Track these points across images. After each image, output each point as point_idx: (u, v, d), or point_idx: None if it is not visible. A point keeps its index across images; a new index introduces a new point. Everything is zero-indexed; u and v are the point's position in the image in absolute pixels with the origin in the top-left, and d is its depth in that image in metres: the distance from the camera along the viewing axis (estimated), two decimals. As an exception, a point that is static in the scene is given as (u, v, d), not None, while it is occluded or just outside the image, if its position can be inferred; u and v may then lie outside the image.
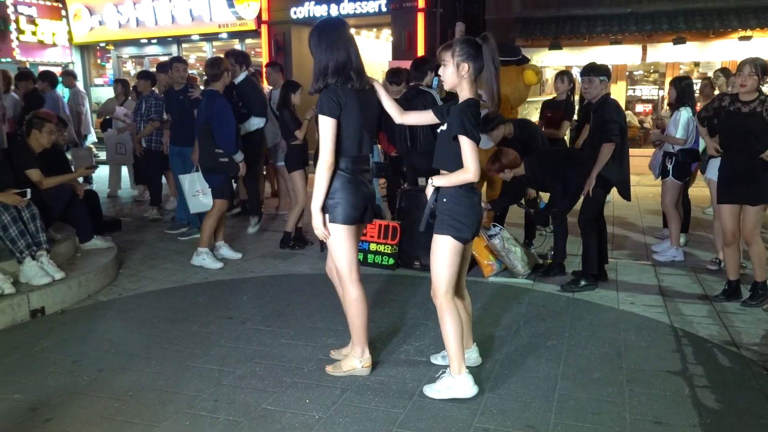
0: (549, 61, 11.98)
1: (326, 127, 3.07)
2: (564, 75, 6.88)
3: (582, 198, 4.94)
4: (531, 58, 11.79)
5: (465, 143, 2.87)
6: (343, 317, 4.27)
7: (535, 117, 7.35)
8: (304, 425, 2.90)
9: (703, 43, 11.28)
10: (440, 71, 3.04)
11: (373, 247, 5.59)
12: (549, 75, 12.63)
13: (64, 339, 3.99)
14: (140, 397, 3.17)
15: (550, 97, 7.54)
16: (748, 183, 4.36)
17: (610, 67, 5.22)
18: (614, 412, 2.98)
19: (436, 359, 3.55)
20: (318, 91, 3.14)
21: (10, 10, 14.51)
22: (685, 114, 5.63)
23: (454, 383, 3.10)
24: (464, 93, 2.98)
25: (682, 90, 5.75)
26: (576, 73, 9.89)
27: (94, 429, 2.88)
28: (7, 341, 3.95)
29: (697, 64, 12.52)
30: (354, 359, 3.39)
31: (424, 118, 3.31)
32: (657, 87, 13.03)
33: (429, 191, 3.09)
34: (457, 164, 2.93)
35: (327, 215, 3.18)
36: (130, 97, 9.07)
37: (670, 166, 5.80)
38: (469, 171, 2.89)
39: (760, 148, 4.27)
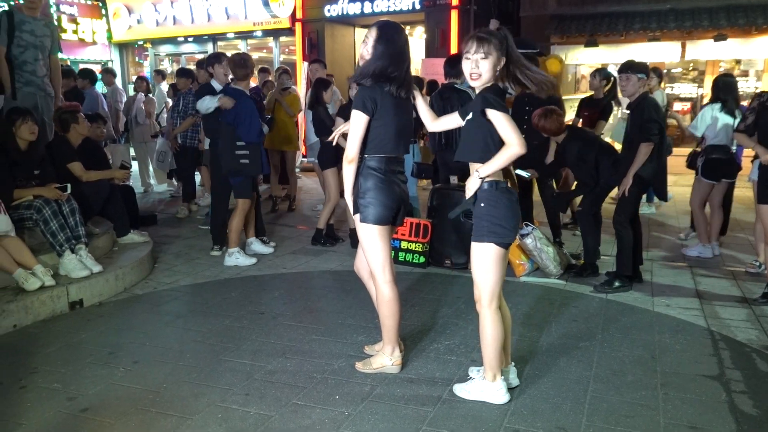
0: (585, 58, 11.84)
1: (358, 123, 3.08)
2: (597, 72, 6.79)
3: (617, 198, 4.86)
4: (566, 55, 11.70)
5: (497, 116, 2.74)
6: (374, 313, 4.29)
7: (570, 115, 7.27)
8: (334, 421, 2.91)
9: (746, 40, 11.00)
10: (472, 64, 2.83)
11: (404, 245, 5.59)
12: (586, 72, 12.46)
13: (101, 331, 4.08)
14: (174, 390, 3.23)
15: (586, 94, 7.44)
16: None
17: (648, 64, 5.13)
18: (648, 416, 2.93)
19: (473, 372, 3.32)
20: (357, 82, 3.18)
21: (52, 9, 14.87)
22: (708, 110, 5.54)
23: (487, 387, 3.06)
24: (486, 84, 2.89)
25: (716, 86, 5.65)
26: (613, 70, 9.75)
27: (129, 420, 2.94)
28: (47, 332, 4.05)
29: (738, 62, 12.22)
30: (384, 357, 3.39)
31: (454, 122, 3.20)
32: (696, 85, 12.76)
33: (473, 184, 2.90)
34: (484, 154, 2.82)
35: (358, 215, 3.18)
36: (150, 94, 9.43)
37: (699, 164, 5.69)
38: (514, 143, 2.72)
39: None
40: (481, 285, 2.95)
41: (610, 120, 6.99)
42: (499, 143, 2.80)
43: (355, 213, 3.22)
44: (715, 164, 5.66)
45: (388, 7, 12.73)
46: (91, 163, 5.75)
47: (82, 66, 12.34)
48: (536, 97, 5.79)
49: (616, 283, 4.79)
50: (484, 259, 2.91)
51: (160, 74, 11.52)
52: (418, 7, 12.46)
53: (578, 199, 6.87)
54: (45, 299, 4.28)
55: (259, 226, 6.19)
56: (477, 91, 2.91)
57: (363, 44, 3.18)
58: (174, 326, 4.16)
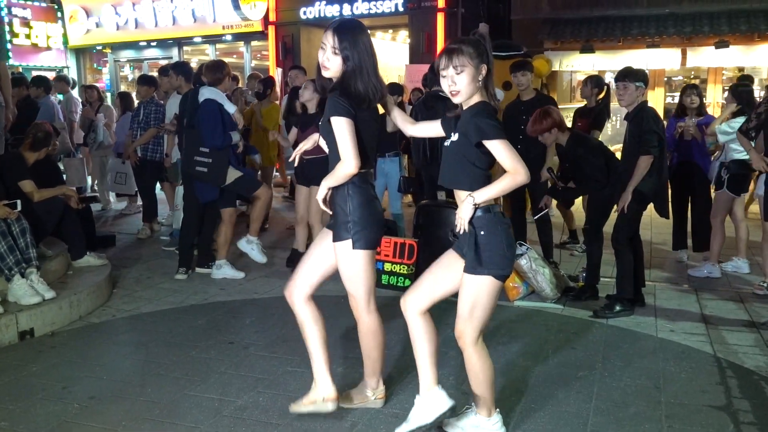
0: (580, 65, 11.99)
1: (346, 127, 2.88)
2: (588, 80, 6.90)
3: (615, 215, 4.91)
4: (560, 62, 11.85)
5: (496, 146, 2.63)
6: (353, 342, 4.27)
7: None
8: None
9: (748, 47, 11.24)
10: (448, 81, 2.73)
11: (387, 267, 5.59)
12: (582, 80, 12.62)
13: (54, 363, 4.02)
14: (134, 428, 3.18)
15: (582, 104, 7.54)
16: None
17: (647, 71, 5.21)
18: (652, 451, 2.95)
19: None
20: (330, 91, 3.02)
21: (3, 12, 14.80)
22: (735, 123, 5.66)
23: (482, 423, 2.96)
24: (474, 98, 2.76)
25: (740, 96, 5.75)
26: (610, 78, 9.89)
27: (84, 462, 2.90)
28: (-7, 365, 3.99)
29: (741, 69, 12.46)
30: (367, 390, 3.35)
31: (435, 129, 3.10)
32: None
33: (467, 212, 2.72)
34: (472, 180, 2.75)
35: (345, 241, 3.03)
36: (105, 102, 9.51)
37: (725, 177, 5.78)
38: (519, 171, 2.62)
39: None
40: (470, 321, 2.81)
41: (608, 130, 7.10)
42: (490, 167, 2.77)
43: (338, 240, 3.06)
44: (742, 177, 5.76)
45: (369, 9, 12.83)
46: (44, 179, 5.71)
47: (35, 73, 12.26)
48: (530, 101, 5.92)
49: (617, 307, 4.82)
50: (479, 294, 2.78)
51: (64, 80, 11.02)
52: (401, 9, 12.58)
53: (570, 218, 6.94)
54: (-9, 329, 4.22)
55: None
56: (464, 107, 2.80)
57: (321, 51, 2.99)
58: (134, 358, 4.11)
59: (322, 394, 3.22)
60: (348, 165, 2.84)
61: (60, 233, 5.63)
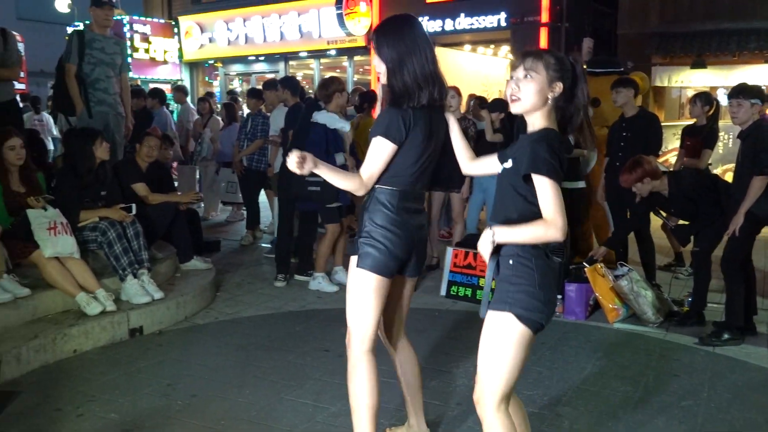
0: (691, 81, 11.48)
1: (382, 150, 2.59)
2: (697, 97, 6.58)
3: (726, 238, 4.66)
4: (669, 78, 11.40)
5: (545, 184, 2.16)
6: (451, 355, 4.27)
7: (674, 144, 7.08)
8: (402, 472, 2.89)
9: None
10: (513, 86, 2.33)
11: (482, 282, 5.54)
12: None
13: (160, 360, 4.22)
14: (233, 427, 3.29)
15: (691, 121, 7.22)
16: None
17: (763, 88, 4.94)
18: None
19: None
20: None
21: (126, 29, 15.76)
22: None
23: None
24: (541, 121, 2.31)
25: None
26: (722, 94, 9.42)
27: (186, 456, 3.02)
28: (106, 358, 4.23)
29: None
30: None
31: (492, 167, 2.58)
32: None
33: (486, 246, 2.27)
34: (520, 216, 2.25)
35: (354, 256, 2.71)
36: (215, 114, 9.66)
37: None
38: (554, 224, 2.15)
39: None
40: (489, 378, 2.28)
41: (719, 149, 6.76)
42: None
43: (353, 253, 2.75)
44: None
45: (471, 24, 12.81)
46: (157, 185, 6.01)
47: (152, 86, 12.96)
48: (631, 118, 5.73)
49: (726, 335, 4.56)
50: (499, 337, 2.26)
51: (182, 91, 11.27)
52: (504, 24, 12.46)
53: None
54: (105, 325, 4.47)
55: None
56: (531, 129, 2.35)
57: (374, 59, 2.72)
58: (234, 359, 4.25)
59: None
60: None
61: (170, 237, 5.90)
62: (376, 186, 2.64)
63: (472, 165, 2.78)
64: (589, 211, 6.76)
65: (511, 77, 2.36)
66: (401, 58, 2.59)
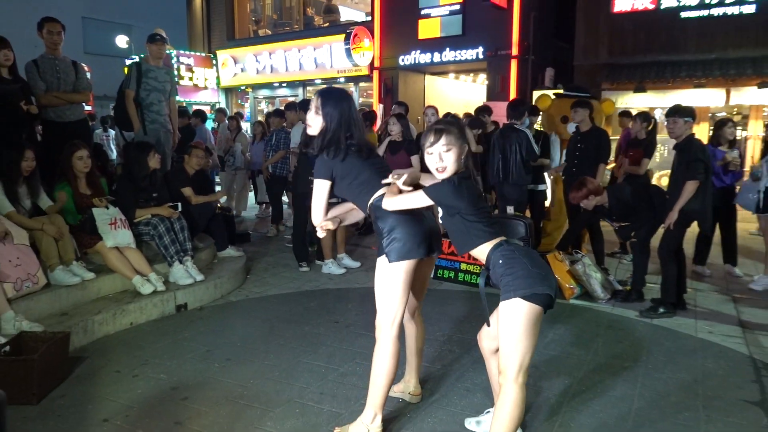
0: (633, 103, 11.44)
1: (321, 190, 2.67)
2: (637, 116, 6.57)
3: (662, 231, 4.65)
4: (616, 100, 11.36)
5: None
6: (436, 326, 4.25)
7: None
8: (399, 419, 2.89)
9: (789, 87, 10.36)
10: (437, 159, 2.35)
11: (463, 266, 5.53)
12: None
13: (201, 331, 4.21)
14: (259, 385, 3.29)
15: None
16: None
17: (694, 108, 4.92)
18: (690, 436, 2.76)
19: (470, 424, 2.82)
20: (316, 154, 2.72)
21: (173, 60, 15.75)
22: None
23: None
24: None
25: None
26: (660, 114, 9.40)
27: (221, 408, 3.01)
28: (157, 330, 4.22)
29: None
30: (361, 426, 2.68)
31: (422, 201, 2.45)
32: (740, 128, 12.10)
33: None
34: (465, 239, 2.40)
35: (382, 256, 2.64)
36: (242, 131, 9.66)
37: None
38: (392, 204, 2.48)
39: None
40: (508, 355, 2.26)
41: (656, 158, 6.73)
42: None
43: (380, 255, 2.66)
44: None
45: (455, 57, 12.77)
46: (200, 188, 6.01)
47: (195, 107, 12.94)
48: (585, 132, 5.71)
49: (661, 309, 4.55)
50: (512, 320, 2.25)
51: (222, 112, 10.90)
52: (481, 57, 12.46)
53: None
54: (156, 302, 4.46)
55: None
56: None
57: (309, 112, 2.71)
58: (261, 330, 4.24)
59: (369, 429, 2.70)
60: (314, 218, 2.65)
61: (209, 230, 5.90)
62: (374, 198, 2.63)
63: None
64: (550, 210, 6.76)
65: (429, 152, 2.37)
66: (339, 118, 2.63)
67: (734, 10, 10.39)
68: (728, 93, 10.87)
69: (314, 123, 2.67)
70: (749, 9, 10.29)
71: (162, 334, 4.12)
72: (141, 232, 4.85)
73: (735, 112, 12.08)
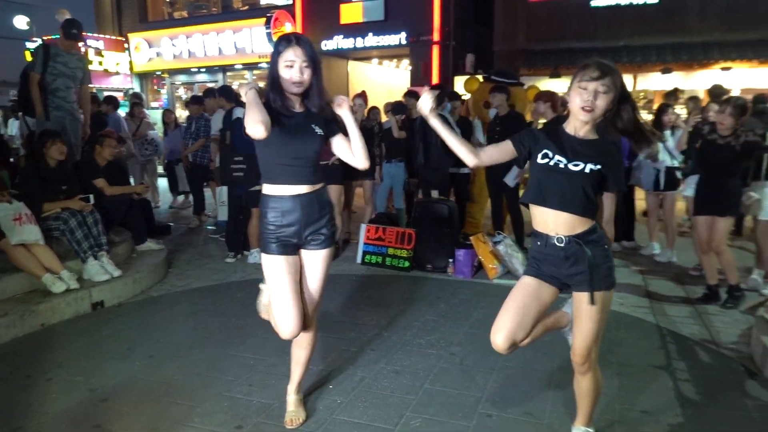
0: (550, 88, 11.91)
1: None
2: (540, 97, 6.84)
3: None
4: (534, 84, 11.79)
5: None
6: (365, 311, 4.28)
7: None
8: (327, 408, 2.89)
9: (688, 73, 11.17)
10: (597, 98, 2.11)
11: (391, 251, 5.58)
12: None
13: (120, 329, 4.03)
14: (185, 381, 3.19)
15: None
16: (718, 199, 4.36)
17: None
18: (605, 403, 2.93)
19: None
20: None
21: (80, 44, 14.80)
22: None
23: None
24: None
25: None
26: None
27: (145, 408, 2.90)
28: (71, 330, 4.00)
29: (682, 92, 12.40)
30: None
31: (507, 152, 2.32)
32: (646, 111, 12.89)
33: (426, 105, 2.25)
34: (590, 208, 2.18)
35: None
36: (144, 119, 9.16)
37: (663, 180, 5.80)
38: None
39: (730, 172, 4.33)
40: (596, 343, 2.28)
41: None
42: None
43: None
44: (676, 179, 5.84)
45: (378, 42, 12.79)
46: (114, 179, 5.72)
47: (106, 93, 12.26)
48: (504, 116, 5.90)
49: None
50: (604, 312, 2.25)
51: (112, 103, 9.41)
52: (404, 42, 12.55)
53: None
54: (70, 301, 4.23)
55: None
56: (593, 135, 2.19)
57: (288, 68, 2.41)
58: (185, 324, 4.12)
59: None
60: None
61: (125, 223, 5.64)
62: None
63: (484, 156, 2.32)
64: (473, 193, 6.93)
65: (583, 87, 2.13)
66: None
67: (639, 0, 11.01)
68: (635, 79, 11.55)
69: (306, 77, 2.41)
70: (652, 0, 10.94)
71: (77, 335, 3.91)
72: (50, 228, 4.56)
73: (642, 97, 12.84)
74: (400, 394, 3.03)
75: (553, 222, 2.20)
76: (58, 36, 5.61)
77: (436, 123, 2.29)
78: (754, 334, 3.61)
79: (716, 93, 6.44)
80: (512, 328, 2.29)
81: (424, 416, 2.81)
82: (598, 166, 2.13)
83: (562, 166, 2.16)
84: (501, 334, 2.30)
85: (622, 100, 2.16)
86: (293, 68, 2.39)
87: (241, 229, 5.95)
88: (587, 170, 2.13)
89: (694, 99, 7.27)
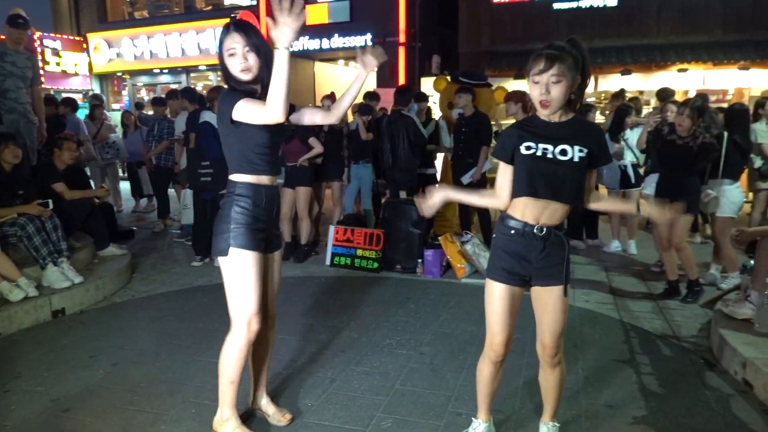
0: (514, 88, 12.08)
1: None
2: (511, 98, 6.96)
3: None
4: (501, 86, 11.95)
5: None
6: (334, 312, 4.27)
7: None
8: (298, 411, 2.87)
9: (647, 75, 11.47)
10: (550, 90, 2.04)
11: (359, 252, 5.58)
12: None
13: (82, 337, 3.92)
14: (151, 389, 3.12)
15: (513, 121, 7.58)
16: (677, 197, 4.49)
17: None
18: (572, 398, 2.98)
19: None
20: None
21: (36, 44, 14.37)
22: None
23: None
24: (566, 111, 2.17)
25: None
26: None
27: (109, 418, 2.83)
28: (30, 339, 3.87)
29: (641, 93, 12.73)
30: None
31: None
32: (608, 111, 13.19)
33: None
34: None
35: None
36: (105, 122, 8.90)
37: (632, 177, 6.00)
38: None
39: (688, 171, 4.46)
40: (561, 332, 2.35)
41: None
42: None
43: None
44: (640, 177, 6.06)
45: (344, 43, 12.78)
46: (74, 183, 5.56)
47: (64, 95, 11.91)
48: (469, 117, 5.96)
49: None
50: (565, 306, 2.32)
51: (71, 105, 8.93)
52: (369, 43, 12.56)
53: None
54: (29, 309, 4.10)
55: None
56: (563, 118, 2.13)
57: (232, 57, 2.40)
58: (150, 330, 4.03)
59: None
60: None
61: (87, 228, 5.49)
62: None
63: (502, 196, 2.27)
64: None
65: (535, 81, 2.07)
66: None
67: (599, 2, 11.28)
68: (596, 80, 11.80)
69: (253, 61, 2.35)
70: (612, 2, 11.21)
71: (37, 344, 3.79)
72: (7, 234, 4.41)
73: (602, 98, 13.13)
74: (370, 395, 3.03)
75: (540, 212, 2.15)
76: (3, 36, 5.38)
77: (459, 195, 2.42)
78: (712, 327, 3.73)
79: (663, 95, 6.67)
80: (510, 332, 2.48)
81: (395, 416, 2.81)
82: (585, 150, 2.09)
83: (549, 156, 2.09)
84: (500, 337, 2.49)
85: (585, 75, 2.13)
86: (235, 56, 2.35)
87: (209, 233, 5.84)
88: (576, 159, 2.08)
89: (634, 100, 7.71)
